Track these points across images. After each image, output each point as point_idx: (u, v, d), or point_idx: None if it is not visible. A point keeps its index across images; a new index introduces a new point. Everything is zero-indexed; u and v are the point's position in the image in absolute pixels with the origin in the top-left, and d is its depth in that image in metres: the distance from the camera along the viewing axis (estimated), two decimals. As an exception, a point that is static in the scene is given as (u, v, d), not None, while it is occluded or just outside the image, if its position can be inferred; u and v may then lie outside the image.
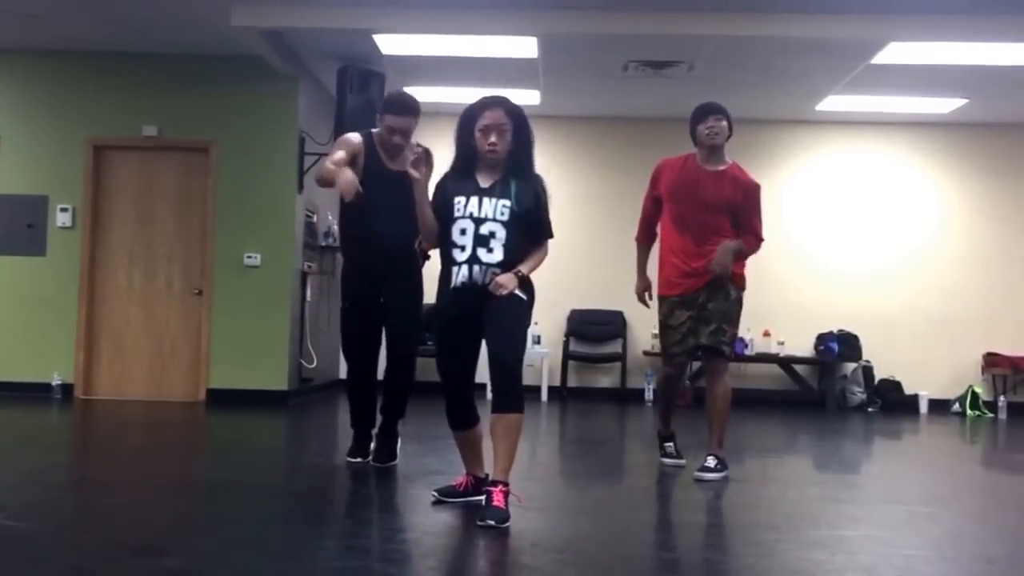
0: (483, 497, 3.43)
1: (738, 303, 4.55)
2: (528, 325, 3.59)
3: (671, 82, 7.43)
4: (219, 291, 7.40)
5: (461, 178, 3.55)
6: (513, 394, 3.41)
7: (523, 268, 3.46)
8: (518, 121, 3.50)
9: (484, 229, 3.43)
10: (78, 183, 7.43)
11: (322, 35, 6.59)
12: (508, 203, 3.45)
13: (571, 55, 6.97)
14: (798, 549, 3.28)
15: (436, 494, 3.71)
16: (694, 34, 6.29)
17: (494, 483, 3.39)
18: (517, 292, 3.42)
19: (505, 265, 3.43)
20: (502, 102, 3.51)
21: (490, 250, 3.43)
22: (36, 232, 7.44)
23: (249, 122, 7.43)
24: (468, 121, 3.50)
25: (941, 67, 6.91)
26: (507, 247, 3.43)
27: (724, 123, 4.51)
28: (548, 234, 3.59)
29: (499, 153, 3.46)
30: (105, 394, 7.39)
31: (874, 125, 8.83)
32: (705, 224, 4.48)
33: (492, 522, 3.24)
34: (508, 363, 3.40)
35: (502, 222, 3.44)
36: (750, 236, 4.51)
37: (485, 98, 3.53)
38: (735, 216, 4.49)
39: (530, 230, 3.52)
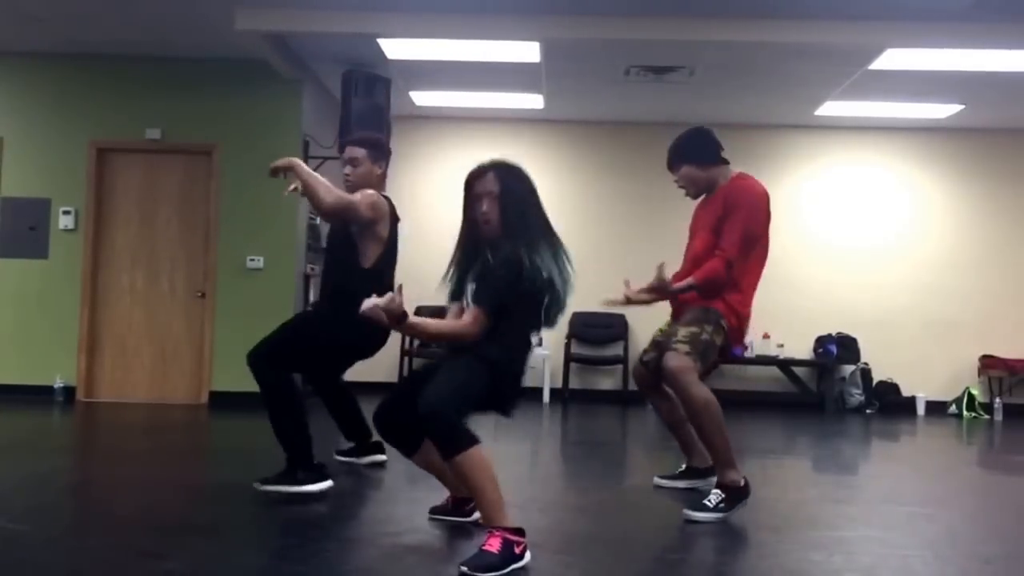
0: (465, 518, 3.46)
1: (698, 314, 3.96)
2: (468, 377, 3.07)
3: (672, 87, 7.48)
4: (222, 294, 7.44)
5: (471, 253, 3.30)
6: (438, 437, 2.99)
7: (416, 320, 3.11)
8: (508, 182, 3.21)
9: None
10: (81, 186, 7.47)
11: (326, 39, 6.63)
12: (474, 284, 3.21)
13: (573, 60, 7.01)
14: (797, 550, 3.32)
15: (432, 512, 3.63)
16: (695, 40, 6.33)
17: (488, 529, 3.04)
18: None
19: None
20: (493, 166, 3.25)
21: None
22: (38, 235, 7.47)
23: (252, 125, 7.46)
24: (465, 192, 3.29)
25: (938, 73, 6.96)
26: None
27: (692, 171, 4.05)
28: (478, 300, 3.12)
29: (492, 223, 3.19)
30: (107, 397, 7.42)
31: (872, 130, 8.88)
32: (687, 255, 4.16)
33: (465, 568, 2.85)
34: (422, 405, 2.96)
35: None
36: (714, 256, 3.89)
37: (479, 165, 3.28)
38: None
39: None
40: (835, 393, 8.61)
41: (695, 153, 4.08)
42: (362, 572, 2.94)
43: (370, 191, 4.05)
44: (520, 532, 2.99)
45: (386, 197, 4.18)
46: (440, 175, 8.67)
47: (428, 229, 8.36)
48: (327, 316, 4.08)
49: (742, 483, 3.82)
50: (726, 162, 4.12)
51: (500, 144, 7.10)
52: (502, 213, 3.17)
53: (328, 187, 3.93)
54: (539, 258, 3.14)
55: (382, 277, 4.06)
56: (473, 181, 3.25)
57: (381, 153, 4.27)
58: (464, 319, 3.15)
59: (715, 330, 3.91)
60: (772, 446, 6.38)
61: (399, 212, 4.25)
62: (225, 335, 7.39)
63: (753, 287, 4.02)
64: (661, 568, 3.11)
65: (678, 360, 3.81)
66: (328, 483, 4.01)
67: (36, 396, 7.23)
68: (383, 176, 4.27)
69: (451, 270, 3.33)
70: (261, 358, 3.94)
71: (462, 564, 2.88)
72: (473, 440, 2.98)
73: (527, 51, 6.68)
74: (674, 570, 3.14)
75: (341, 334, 3.98)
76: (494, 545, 2.92)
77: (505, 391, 3.19)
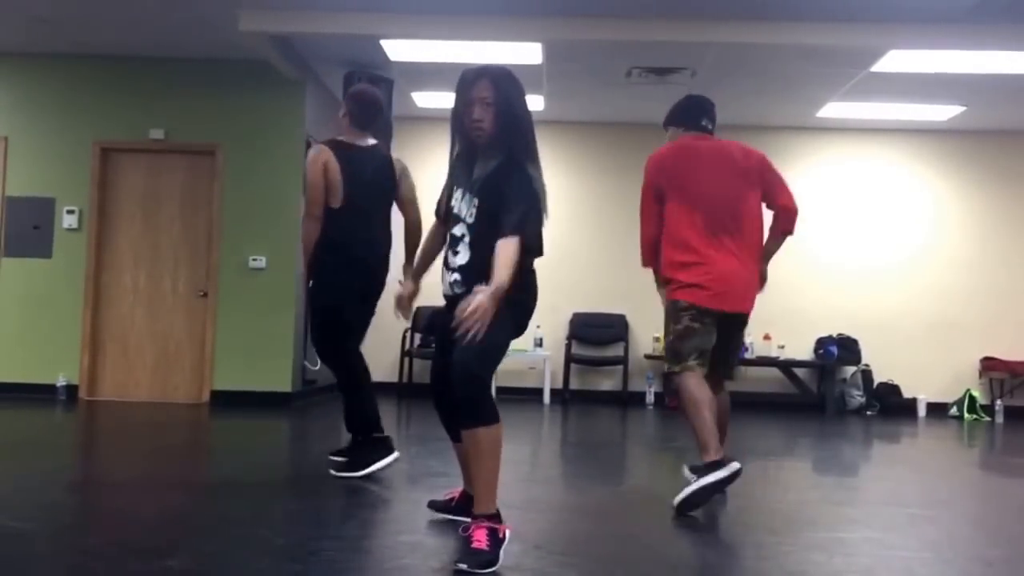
0: (468, 521, 3.06)
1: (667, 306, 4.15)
2: (498, 332, 2.95)
3: (674, 88, 7.48)
4: (224, 293, 7.46)
5: (464, 167, 3.24)
6: (470, 402, 2.95)
7: (482, 294, 2.86)
8: (504, 88, 3.09)
9: (457, 230, 3.18)
10: (85, 185, 7.49)
11: (329, 40, 6.65)
12: (477, 199, 3.11)
13: (575, 61, 7.03)
14: (797, 551, 3.33)
15: (430, 505, 3.65)
16: (697, 41, 6.35)
17: (474, 518, 2.97)
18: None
19: (469, 267, 3.09)
20: (486, 72, 3.11)
21: (456, 253, 3.15)
22: (42, 234, 7.50)
23: (255, 126, 7.49)
24: (457, 100, 3.16)
25: (939, 75, 6.97)
26: (473, 249, 3.09)
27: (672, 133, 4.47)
28: (512, 227, 2.95)
29: (485, 130, 3.09)
30: (109, 395, 7.45)
31: (873, 132, 8.90)
32: None
33: (464, 566, 2.82)
34: (459, 367, 2.93)
35: (468, 224, 3.13)
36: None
37: (469, 70, 3.15)
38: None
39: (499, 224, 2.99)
40: (836, 395, 8.62)
41: (676, 115, 4.41)
42: (361, 571, 2.95)
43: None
44: (498, 515, 3.01)
45: (336, 145, 4.48)
46: (441, 176, 8.67)
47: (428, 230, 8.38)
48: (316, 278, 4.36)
49: (717, 458, 3.86)
50: (704, 129, 4.38)
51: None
52: (496, 119, 3.08)
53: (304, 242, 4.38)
54: (538, 170, 3.12)
55: (348, 215, 4.32)
56: (466, 87, 3.12)
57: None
58: (506, 251, 2.91)
59: (674, 318, 4.09)
60: (773, 447, 6.38)
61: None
62: (227, 334, 7.42)
63: (676, 232, 4.27)
64: (661, 568, 3.11)
65: (679, 381, 4.08)
66: (395, 454, 4.39)
67: (39, 395, 7.27)
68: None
69: (444, 192, 3.36)
70: (329, 344, 4.31)
71: (458, 562, 2.88)
72: (496, 417, 3.00)
73: (529, 52, 6.70)
74: (674, 570, 3.14)
75: (323, 292, 4.34)
76: (482, 539, 2.90)
77: (522, 323, 3.17)
